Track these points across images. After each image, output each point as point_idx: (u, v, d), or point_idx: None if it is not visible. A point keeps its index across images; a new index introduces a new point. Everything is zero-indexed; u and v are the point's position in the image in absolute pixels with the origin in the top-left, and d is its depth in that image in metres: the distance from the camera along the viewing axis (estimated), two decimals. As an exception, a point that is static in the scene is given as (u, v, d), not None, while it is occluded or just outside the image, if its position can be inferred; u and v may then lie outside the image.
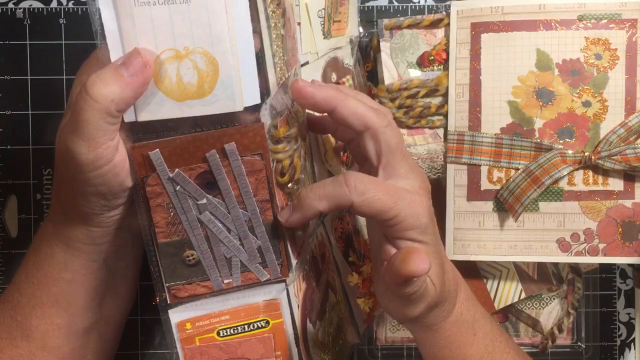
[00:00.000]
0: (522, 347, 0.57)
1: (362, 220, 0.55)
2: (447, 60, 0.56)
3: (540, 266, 0.60)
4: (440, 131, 0.56)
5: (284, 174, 0.40)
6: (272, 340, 0.44)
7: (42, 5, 0.60)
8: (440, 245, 0.45)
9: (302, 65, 0.43)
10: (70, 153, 0.37)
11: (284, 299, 0.44)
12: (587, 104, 0.54)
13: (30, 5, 0.60)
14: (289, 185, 0.42)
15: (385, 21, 0.57)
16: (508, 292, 0.60)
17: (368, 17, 0.59)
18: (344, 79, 0.48)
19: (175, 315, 0.43)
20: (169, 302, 0.43)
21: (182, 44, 0.36)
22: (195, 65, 0.36)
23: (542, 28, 0.54)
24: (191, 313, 0.43)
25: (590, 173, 0.55)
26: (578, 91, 0.54)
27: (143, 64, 0.36)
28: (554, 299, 0.61)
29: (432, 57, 0.56)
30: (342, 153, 0.51)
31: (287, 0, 0.38)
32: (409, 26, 0.57)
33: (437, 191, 0.54)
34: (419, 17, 0.57)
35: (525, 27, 0.54)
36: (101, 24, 0.36)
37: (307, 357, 0.47)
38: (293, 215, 0.40)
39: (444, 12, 0.57)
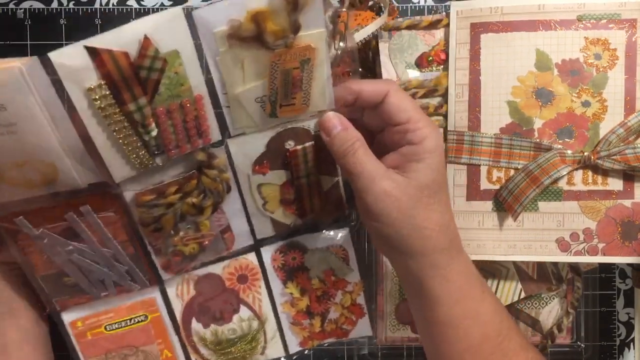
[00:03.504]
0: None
1: (313, 261, 0.59)
2: (445, 61, 0.56)
3: (540, 266, 0.60)
4: (439, 131, 0.56)
5: (147, 225, 0.50)
6: (151, 330, 0.57)
7: (43, 6, 0.60)
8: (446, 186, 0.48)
9: (237, 136, 0.49)
10: None
11: (158, 297, 0.57)
12: (586, 104, 0.54)
13: (31, 5, 0.60)
14: (158, 231, 0.51)
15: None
16: (508, 292, 0.60)
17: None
18: (306, 144, 0.52)
19: (67, 316, 0.55)
20: (58, 309, 0.54)
21: (20, 158, 0.43)
22: (37, 167, 0.44)
23: (541, 28, 0.54)
24: (80, 313, 0.55)
25: (590, 173, 0.55)
26: (577, 91, 0.54)
27: None
28: (553, 298, 0.61)
29: (430, 58, 0.57)
30: (291, 205, 0.55)
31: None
32: (408, 27, 0.57)
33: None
34: (418, 18, 0.57)
35: (524, 27, 0.54)
36: None
37: (192, 347, 0.59)
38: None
39: (444, 13, 0.57)
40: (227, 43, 0.41)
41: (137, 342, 0.57)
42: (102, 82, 0.41)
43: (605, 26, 0.54)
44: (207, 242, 0.55)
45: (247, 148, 0.52)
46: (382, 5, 0.56)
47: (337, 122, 0.46)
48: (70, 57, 0.40)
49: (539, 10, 0.54)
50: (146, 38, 0.40)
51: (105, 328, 0.56)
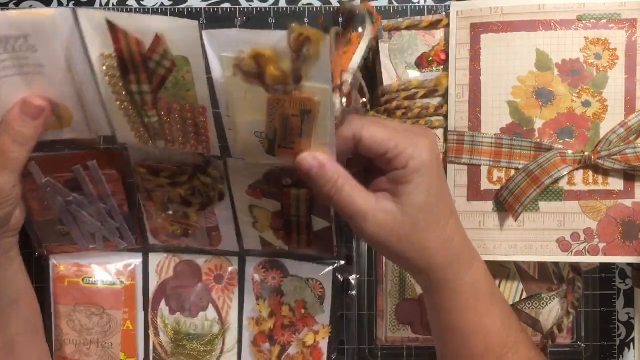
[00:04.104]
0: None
1: (290, 287, 0.60)
2: (445, 61, 0.56)
3: (542, 266, 0.60)
4: (440, 132, 0.56)
5: (142, 191, 0.54)
6: (122, 296, 0.60)
7: (43, 6, 0.60)
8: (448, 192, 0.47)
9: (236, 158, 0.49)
10: None
11: (139, 267, 0.60)
12: (586, 104, 0.54)
13: (31, 5, 0.60)
14: (151, 200, 0.55)
15: (384, 22, 0.57)
16: (509, 292, 0.60)
17: (368, 17, 0.59)
18: (300, 190, 0.52)
19: (54, 258, 0.59)
20: (46, 254, 0.58)
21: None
22: (55, 109, 0.46)
23: (541, 28, 0.54)
24: (66, 260, 0.59)
25: (590, 173, 0.55)
26: (578, 91, 0.54)
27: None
28: (553, 298, 0.61)
29: (430, 58, 0.57)
30: (280, 231, 0.56)
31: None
32: (408, 27, 0.57)
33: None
34: (418, 18, 0.57)
35: (524, 27, 0.54)
36: None
37: (154, 327, 0.61)
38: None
39: (444, 13, 0.57)
40: (233, 70, 0.40)
41: (106, 304, 0.60)
42: (114, 55, 0.42)
43: (605, 26, 0.54)
44: (191, 232, 0.57)
45: (244, 172, 0.51)
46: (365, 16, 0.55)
47: (313, 163, 0.42)
48: (95, 19, 0.41)
49: (539, 10, 0.54)
50: (157, 37, 0.40)
51: (83, 280, 0.60)
